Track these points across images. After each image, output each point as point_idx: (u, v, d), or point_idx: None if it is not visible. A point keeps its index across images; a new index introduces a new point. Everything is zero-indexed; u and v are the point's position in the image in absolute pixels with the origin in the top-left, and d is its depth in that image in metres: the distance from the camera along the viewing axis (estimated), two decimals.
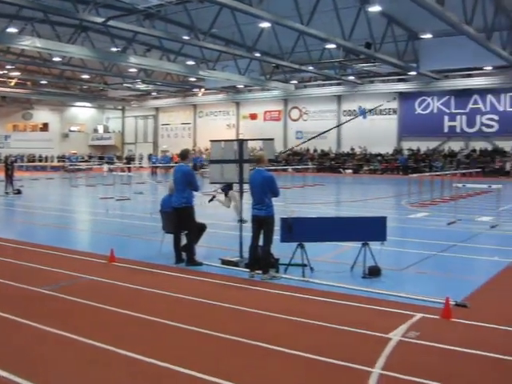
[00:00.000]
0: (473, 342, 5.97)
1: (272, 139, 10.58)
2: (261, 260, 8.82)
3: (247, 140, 10.27)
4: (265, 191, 8.72)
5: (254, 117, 55.53)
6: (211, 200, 14.91)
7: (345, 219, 10.27)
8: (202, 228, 10.47)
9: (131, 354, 5.55)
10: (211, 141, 10.48)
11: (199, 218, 10.39)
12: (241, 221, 10.56)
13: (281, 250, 9.40)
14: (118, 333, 6.27)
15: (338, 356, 5.49)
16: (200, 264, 9.65)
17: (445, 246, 11.65)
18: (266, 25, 28.46)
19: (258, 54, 34.85)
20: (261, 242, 8.86)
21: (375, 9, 27.78)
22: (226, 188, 14.25)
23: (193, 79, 47.12)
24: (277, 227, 8.99)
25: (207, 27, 28.03)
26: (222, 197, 14.91)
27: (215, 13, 26.81)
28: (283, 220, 9.00)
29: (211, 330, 6.24)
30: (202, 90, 52.60)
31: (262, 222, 8.74)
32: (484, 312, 7.03)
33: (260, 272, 8.78)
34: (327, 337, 6.17)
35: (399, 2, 23.85)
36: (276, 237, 9.01)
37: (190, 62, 39.35)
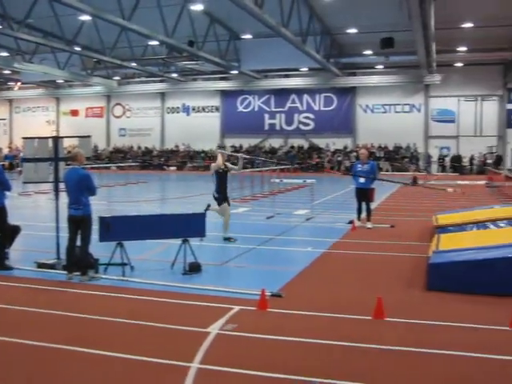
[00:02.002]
0: (287, 329, 6.24)
1: (89, 136, 10.26)
2: (79, 261, 8.52)
3: (62, 137, 9.88)
4: (81, 190, 8.42)
5: (75, 113, 53.55)
6: (207, 209, 13.12)
7: (165, 216, 10.24)
8: (15, 230, 9.83)
9: None
10: (24, 138, 9.90)
11: (13, 219, 9.74)
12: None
13: (101, 249, 9.14)
14: None
15: (155, 354, 5.43)
16: (10, 268, 9.07)
17: (263, 239, 12.11)
18: (86, 18, 27.59)
19: (78, 48, 33.55)
20: (79, 243, 8.56)
21: (198, 7, 28.12)
22: (220, 197, 12.43)
23: (7, 72, 44.18)
24: (96, 226, 8.75)
25: (23, 16, 26.46)
26: (215, 206, 12.76)
27: (31, 2, 25.45)
28: (101, 219, 8.76)
29: (22, 338, 5.88)
30: (19, 83, 49.50)
31: (79, 222, 8.44)
32: (298, 301, 7.37)
33: (78, 273, 8.47)
34: (145, 335, 6.10)
35: (221, 2, 24.26)
36: (95, 236, 8.76)
37: (4, 54, 36.83)
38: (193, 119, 49.90)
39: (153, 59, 37.16)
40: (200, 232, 9.25)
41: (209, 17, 31.88)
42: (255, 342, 5.89)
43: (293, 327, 6.36)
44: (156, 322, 6.42)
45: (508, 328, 6.26)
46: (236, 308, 6.94)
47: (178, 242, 9.13)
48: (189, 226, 9.18)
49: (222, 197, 12.44)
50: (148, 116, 51.31)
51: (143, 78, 46.84)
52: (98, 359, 5.40)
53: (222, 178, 12.60)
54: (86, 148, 9.78)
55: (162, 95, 50.62)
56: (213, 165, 12.73)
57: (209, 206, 12.23)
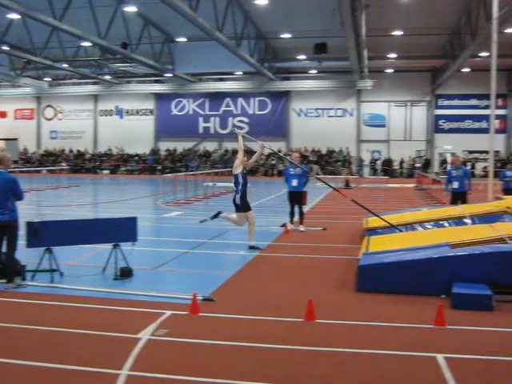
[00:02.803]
0: (219, 333, 6.24)
1: (15, 139, 9.97)
2: (5, 268, 8.24)
3: None
4: (7, 195, 8.14)
5: (3, 115, 51.75)
6: (216, 216, 12.26)
7: (95, 221, 10.05)
8: None
9: None
10: None
11: None
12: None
13: (28, 255, 8.89)
14: None
15: (84, 363, 5.33)
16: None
17: (196, 243, 12.08)
18: (15, 16, 26.85)
19: (6, 48, 32.59)
20: (4, 249, 8.29)
21: (131, 9, 27.87)
22: (244, 204, 11.41)
23: None
24: (23, 232, 8.50)
25: None
26: (231, 214, 12.00)
27: None
28: (29, 224, 8.51)
29: None
30: None
31: (5, 228, 8.15)
32: (230, 304, 7.38)
33: (4, 281, 8.20)
34: (74, 343, 5.94)
35: (155, 4, 24.09)
36: (22, 242, 8.51)
37: None
38: (126, 122, 49.29)
39: (85, 60, 36.56)
40: (132, 236, 9.14)
41: (143, 19, 31.60)
42: (186, 347, 5.86)
43: (224, 331, 6.36)
44: (85, 329, 6.28)
45: (433, 326, 6.47)
46: (168, 313, 6.88)
47: (110, 246, 8.99)
48: (120, 230, 9.04)
49: (245, 203, 11.39)
50: (80, 118, 50.33)
51: (75, 80, 45.96)
52: (24, 370, 5.24)
53: (246, 178, 11.56)
54: (13, 151, 9.49)
55: (95, 97, 49.76)
56: (237, 162, 11.44)
57: (219, 212, 11.78)
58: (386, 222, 11.90)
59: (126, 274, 8.74)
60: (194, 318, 6.79)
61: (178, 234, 13.60)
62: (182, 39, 35.77)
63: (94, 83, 46.15)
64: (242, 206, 11.39)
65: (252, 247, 11.47)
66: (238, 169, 11.39)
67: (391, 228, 11.91)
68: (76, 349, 5.76)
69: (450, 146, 43.09)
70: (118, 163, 47.81)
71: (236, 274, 9.25)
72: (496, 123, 42.79)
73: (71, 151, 49.98)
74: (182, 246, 11.79)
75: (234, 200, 11.46)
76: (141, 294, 7.81)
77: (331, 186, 14.33)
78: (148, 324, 6.42)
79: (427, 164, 43.66)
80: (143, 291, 7.91)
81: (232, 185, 11.75)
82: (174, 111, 48.47)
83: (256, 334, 6.28)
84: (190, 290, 7.45)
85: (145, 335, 6.08)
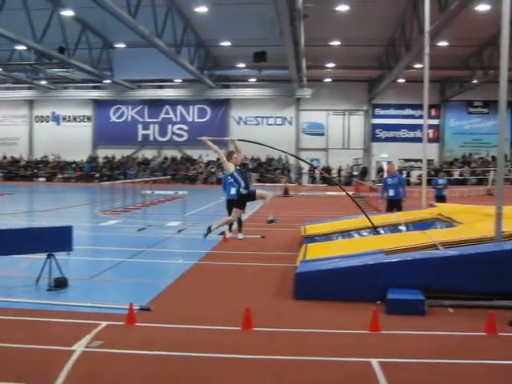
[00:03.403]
0: (156, 343, 6.16)
1: None
2: None
3: None
4: None
5: None
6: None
7: (28, 230, 9.79)
8: None
9: None
10: None
11: None
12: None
13: None
14: None
15: (15, 378, 5.14)
16: None
17: (134, 252, 11.90)
18: None
19: None
20: None
21: (68, 13, 27.34)
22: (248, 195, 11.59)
23: None
24: None
25: None
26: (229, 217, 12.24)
27: None
28: None
29: None
30: None
31: None
32: (167, 314, 7.31)
33: None
34: (5, 358, 5.73)
35: (93, 9, 23.73)
36: None
37: None
38: (63, 129, 48.30)
39: (20, 65, 35.54)
40: (67, 246, 8.93)
41: (80, 23, 31.07)
42: (122, 358, 5.77)
43: (161, 341, 6.30)
44: (17, 343, 6.08)
45: (368, 331, 6.60)
46: (103, 324, 6.75)
47: (44, 256, 8.77)
48: (54, 239, 8.81)
49: (247, 195, 11.58)
50: (15, 124, 48.97)
51: (9, 85, 44.62)
52: None
53: (243, 172, 11.90)
54: None
55: (31, 103, 48.56)
56: (225, 164, 11.68)
57: (209, 228, 11.59)
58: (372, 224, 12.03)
59: (60, 284, 8.53)
60: (130, 329, 6.69)
61: (116, 243, 13.40)
62: (121, 45, 35.37)
63: (30, 88, 44.99)
64: (244, 198, 11.55)
65: (209, 229, 11.62)
66: (230, 168, 11.56)
67: (328, 235, 12.08)
68: (7, 364, 5.57)
69: (386, 154, 44.12)
70: (55, 171, 46.75)
71: (174, 282, 9.18)
72: (430, 133, 44.26)
73: (5, 158, 48.55)
74: (119, 255, 11.61)
75: (241, 192, 11.49)
76: (76, 304, 7.65)
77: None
78: (83, 336, 6.28)
79: (364, 172, 44.55)
80: (78, 302, 7.75)
81: (170, 192, 11.68)
82: (113, 118, 47.85)
83: (193, 343, 6.24)
84: (126, 300, 7.33)
85: (79, 347, 5.94)
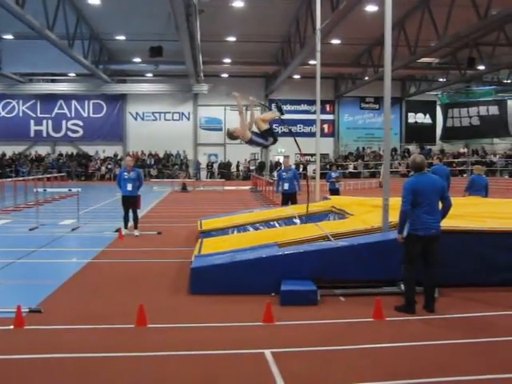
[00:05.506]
0: (46, 346, 6.02)
1: None
2: None
3: None
4: None
5: None
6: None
7: None
8: None
9: None
10: None
11: None
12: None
13: None
14: None
15: None
16: None
17: (25, 252, 11.48)
18: None
19: None
20: None
21: None
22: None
23: None
24: None
25: None
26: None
27: None
28: None
29: None
30: None
31: None
32: (59, 315, 7.13)
33: None
34: None
35: None
36: None
37: None
38: None
39: None
40: None
41: None
42: (9, 364, 5.57)
43: (51, 343, 6.15)
44: None
45: (262, 323, 6.74)
46: None
47: None
48: None
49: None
50: None
51: None
52: None
53: (264, 133, 10.60)
54: None
55: None
56: (239, 131, 10.50)
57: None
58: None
59: None
60: (18, 332, 6.47)
61: (5, 244, 12.86)
62: (9, 36, 33.77)
63: None
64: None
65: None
66: (246, 135, 10.34)
67: (224, 230, 12.19)
68: None
69: (283, 149, 44.86)
70: None
71: (66, 282, 8.95)
72: (325, 127, 45.54)
73: None
74: (8, 255, 11.15)
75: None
76: None
77: None
78: None
79: (262, 167, 45.15)
80: None
81: (63, 190, 11.33)
82: (2, 113, 45.67)
83: (85, 343, 6.14)
84: (15, 303, 7.06)
85: None
